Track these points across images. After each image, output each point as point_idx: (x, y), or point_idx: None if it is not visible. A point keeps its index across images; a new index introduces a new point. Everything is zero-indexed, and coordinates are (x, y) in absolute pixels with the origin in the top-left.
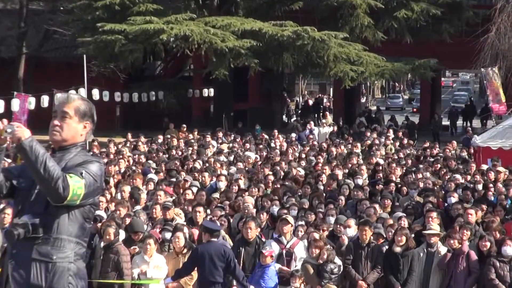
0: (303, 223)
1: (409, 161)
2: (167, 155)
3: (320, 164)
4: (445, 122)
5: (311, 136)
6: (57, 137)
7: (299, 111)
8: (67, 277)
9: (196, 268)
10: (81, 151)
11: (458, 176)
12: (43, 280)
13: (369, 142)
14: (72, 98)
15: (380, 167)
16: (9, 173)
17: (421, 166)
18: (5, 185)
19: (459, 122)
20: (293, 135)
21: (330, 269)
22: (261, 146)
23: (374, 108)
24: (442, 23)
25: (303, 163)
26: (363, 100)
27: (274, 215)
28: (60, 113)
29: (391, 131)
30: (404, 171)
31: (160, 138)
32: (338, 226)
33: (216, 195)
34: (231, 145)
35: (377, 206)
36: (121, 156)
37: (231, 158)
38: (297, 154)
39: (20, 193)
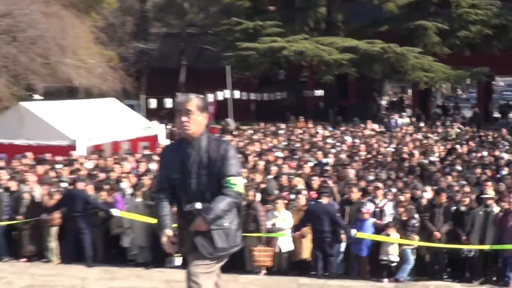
0: (394, 190)
1: (472, 143)
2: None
3: (402, 146)
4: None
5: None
6: (189, 131)
7: (386, 107)
8: (234, 235)
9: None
10: (208, 136)
11: (505, 154)
12: (223, 242)
13: (439, 130)
14: (190, 98)
15: (456, 151)
16: (169, 179)
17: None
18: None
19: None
20: (375, 125)
21: (413, 223)
22: (359, 132)
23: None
24: (493, 40)
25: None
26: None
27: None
28: (185, 110)
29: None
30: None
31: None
32: (415, 191)
33: (327, 167)
34: (337, 131)
35: (449, 177)
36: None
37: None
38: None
39: (177, 186)
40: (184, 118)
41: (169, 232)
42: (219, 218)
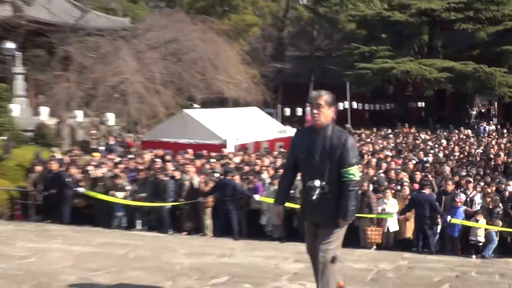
0: (482, 183)
1: None
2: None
3: (489, 148)
4: None
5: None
6: (318, 121)
7: (476, 116)
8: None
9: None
10: (333, 126)
11: None
12: (338, 215)
13: None
14: (322, 94)
15: None
16: (296, 159)
17: None
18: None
19: None
20: (467, 131)
21: (497, 211)
22: (453, 137)
23: None
24: None
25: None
26: None
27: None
28: (316, 104)
29: None
30: None
31: (391, 132)
32: (500, 185)
33: (427, 164)
34: (435, 136)
35: None
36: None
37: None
38: (475, 143)
39: (302, 165)
40: (315, 111)
41: (280, 208)
42: (355, 210)
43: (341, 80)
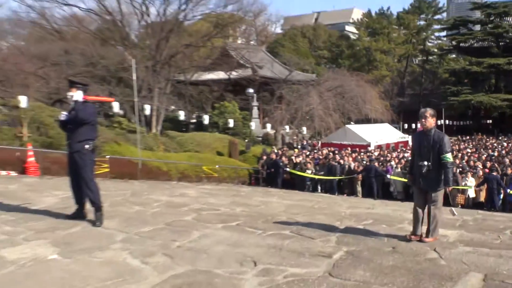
0: None
1: None
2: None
3: None
4: None
5: None
6: (425, 126)
7: None
8: (441, 182)
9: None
10: (435, 129)
11: None
12: (438, 184)
13: None
14: (427, 109)
15: None
16: (413, 150)
17: None
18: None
19: None
20: None
21: None
22: None
23: None
24: None
25: None
26: None
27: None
28: (424, 116)
29: None
30: None
31: (469, 138)
32: None
33: (493, 157)
34: (499, 140)
35: None
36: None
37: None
38: None
39: (416, 153)
40: (423, 120)
41: (409, 175)
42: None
43: (439, 107)
